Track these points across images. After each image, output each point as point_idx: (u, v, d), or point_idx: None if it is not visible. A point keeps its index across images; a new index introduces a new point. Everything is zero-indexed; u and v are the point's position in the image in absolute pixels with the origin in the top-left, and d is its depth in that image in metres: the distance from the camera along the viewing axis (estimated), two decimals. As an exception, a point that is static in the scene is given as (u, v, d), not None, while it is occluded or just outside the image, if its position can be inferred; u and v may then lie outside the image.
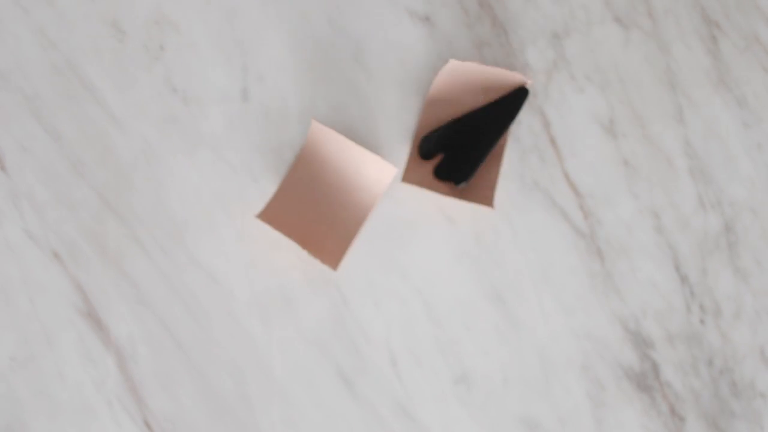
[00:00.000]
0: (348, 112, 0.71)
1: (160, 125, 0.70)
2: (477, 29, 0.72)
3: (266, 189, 0.69)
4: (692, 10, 0.72)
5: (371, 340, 0.68)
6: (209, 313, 0.68)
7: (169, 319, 0.68)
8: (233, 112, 0.70)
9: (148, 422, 0.67)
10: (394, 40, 0.72)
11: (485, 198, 0.68)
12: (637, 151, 0.71)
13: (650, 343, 0.68)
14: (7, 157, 0.69)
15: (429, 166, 0.70)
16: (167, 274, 0.68)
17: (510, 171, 0.70)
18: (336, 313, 0.68)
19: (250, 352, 0.67)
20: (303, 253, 0.68)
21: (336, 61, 0.71)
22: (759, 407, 0.68)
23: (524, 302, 0.69)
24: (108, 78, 0.70)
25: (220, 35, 0.71)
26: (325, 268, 0.68)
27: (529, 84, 0.70)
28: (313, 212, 0.68)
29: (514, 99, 0.69)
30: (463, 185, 0.68)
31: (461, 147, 0.69)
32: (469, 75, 0.69)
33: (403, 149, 0.70)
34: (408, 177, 0.69)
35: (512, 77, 0.69)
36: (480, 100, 0.70)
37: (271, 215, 0.67)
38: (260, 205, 0.69)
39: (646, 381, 0.68)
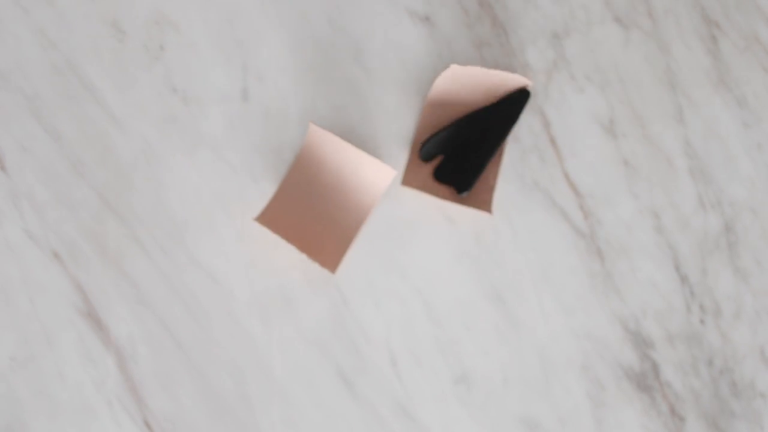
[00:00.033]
0: (348, 113, 0.71)
1: (160, 125, 0.70)
2: (477, 29, 0.72)
3: (266, 189, 0.69)
4: (692, 10, 0.72)
5: (371, 340, 0.68)
6: (209, 313, 0.68)
7: (169, 319, 0.68)
8: (233, 112, 0.70)
9: (148, 422, 0.67)
10: (394, 40, 0.72)
11: (484, 203, 0.68)
12: (637, 151, 0.71)
13: (650, 343, 0.68)
14: (7, 157, 0.69)
15: (429, 168, 0.70)
16: (167, 274, 0.68)
17: (510, 171, 0.70)
18: (336, 313, 0.68)
19: (250, 352, 0.67)
20: (303, 254, 0.68)
21: (336, 62, 0.71)
22: (759, 407, 0.68)
23: (524, 302, 0.68)
24: (108, 78, 0.70)
25: (220, 35, 0.71)
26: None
27: (530, 86, 0.70)
28: (310, 216, 0.68)
29: (516, 101, 0.69)
30: (465, 194, 0.68)
31: (462, 149, 0.69)
32: (469, 78, 0.69)
33: (403, 150, 0.70)
34: (408, 180, 0.69)
35: (513, 79, 0.69)
36: (481, 103, 0.70)
37: (269, 218, 0.67)
38: (260, 205, 0.69)
39: (646, 381, 0.68)
